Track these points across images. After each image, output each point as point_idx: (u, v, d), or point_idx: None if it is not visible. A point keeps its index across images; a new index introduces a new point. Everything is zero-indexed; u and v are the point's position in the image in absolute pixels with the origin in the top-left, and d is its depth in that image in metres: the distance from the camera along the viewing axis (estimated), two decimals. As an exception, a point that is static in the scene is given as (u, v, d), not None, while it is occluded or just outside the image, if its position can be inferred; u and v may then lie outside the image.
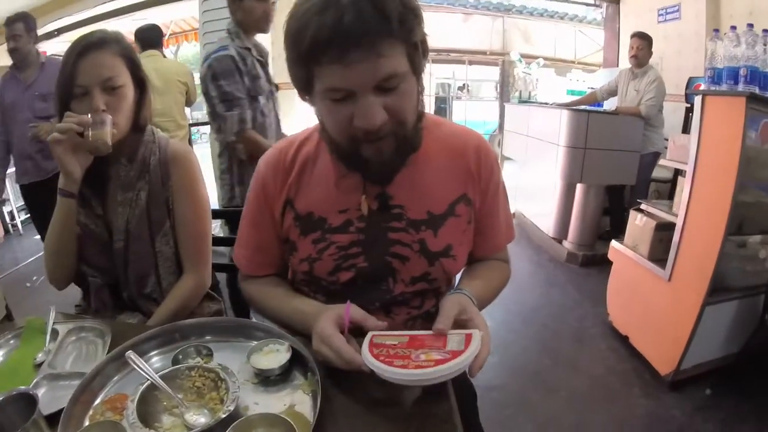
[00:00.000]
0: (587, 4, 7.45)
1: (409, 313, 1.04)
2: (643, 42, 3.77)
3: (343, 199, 0.98)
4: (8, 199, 4.93)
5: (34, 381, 0.83)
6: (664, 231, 2.36)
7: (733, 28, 1.98)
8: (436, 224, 0.98)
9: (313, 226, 0.99)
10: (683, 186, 2.18)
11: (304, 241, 1.00)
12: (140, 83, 1.24)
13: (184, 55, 11.47)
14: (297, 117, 4.92)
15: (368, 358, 0.75)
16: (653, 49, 3.85)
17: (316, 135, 1.02)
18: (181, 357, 0.85)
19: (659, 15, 4.92)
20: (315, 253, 0.99)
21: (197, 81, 3.78)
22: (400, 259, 0.98)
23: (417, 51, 0.83)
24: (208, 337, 0.93)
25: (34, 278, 3.58)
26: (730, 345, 2.23)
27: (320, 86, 0.81)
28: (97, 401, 0.76)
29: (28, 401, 0.65)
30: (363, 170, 0.92)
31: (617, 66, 5.59)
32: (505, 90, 7.73)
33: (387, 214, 0.97)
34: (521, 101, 5.34)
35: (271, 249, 1.08)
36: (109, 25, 5.52)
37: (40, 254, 1.24)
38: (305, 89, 0.86)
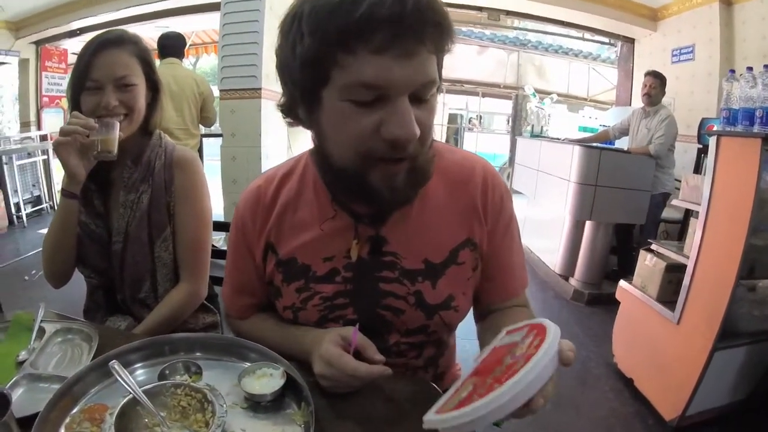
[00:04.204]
0: (602, 43, 7.52)
1: (407, 363, 0.94)
2: (657, 81, 3.78)
3: (328, 244, 0.87)
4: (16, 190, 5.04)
5: (14, 379, 0.79)
6: (674, 272, 2.32)
7: (750, 69, 1.96)
8: (435, 274, 0.87)
9: (296, 274, 0.89)
10: (695, 227, 2.14)
11: (287, 289, 0.91)
12: (153, 86, 1.24)
13: (203, 68, 11.67)
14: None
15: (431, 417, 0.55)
16: (666, 89, 3.87)
17: (300, 168, 0.92)
18: (168, 372, 0.80)
19: (673, 55, 4.97)
20: (299, 303, 0.90)
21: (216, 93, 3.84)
22: (393, 311, 0.88)
23: (441, 69, 0.75)
24: (198, 354, 0.88)
25: (33, 272, 3.55)
26: (737, 391, 2.16)
27: (344, 81, 0.67)
28: (76, 409, 0.71)
29: (1, 400, 0.61)
30: (369, 202, 0.79)
31: (630, 105, 5.63)
32: (516, 123, 7.78)
33: (378, 261, 0.87)
34: (533, 135, 5.35)
35: (256, 292, 0.99)
36: (131, 30, 5.64)
37: (41, 248, 1.23)
38: (315, 89, 0.71)
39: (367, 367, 0.75)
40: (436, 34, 0.67)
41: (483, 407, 0.49)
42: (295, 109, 0.78)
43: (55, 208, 4.97)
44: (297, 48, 0.68)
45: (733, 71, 2.06)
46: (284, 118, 0.81)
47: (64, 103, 6.22)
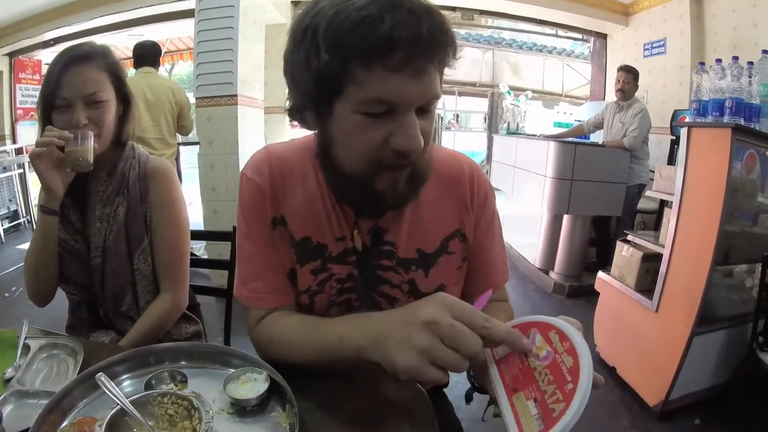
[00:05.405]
0: (575, 39, 7.63)
1: None
2: (629, 76, 3.85)
3: (337, 226, 0.89)
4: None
5: (2, 397, 0.79)
6: (650, 262, 2.37)
7: (719, 60, 2.01)
8: (428, 263, 0.91)
9: (311, 254, 0.89)
10: (670, 217, 2.19)
11: (302, 271, 0.90)
12: (124, 99, 1.23)
13: (178, 74, 11.52)
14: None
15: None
16: (639, 83, 3.94)
17: (305, 153, 0.91)
18: (154, 382, 0.81)
19: (645, 49, 5.06)
20: (315, 285, 0.89)
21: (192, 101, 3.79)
22: (388, 300, 0.91)
23: (442, 82, 0.79)
24: (182, 363, 0.88)
25: (13, 289, 3.49)
26: (719, 375, 2.22)
27: (360, 96, 0.70)
28: (65, 423, 0.71)
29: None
30: (372, 205, 0.83)
31: (603, 99, 5.71)
32: (493, 121, 7.81)
33: (378, 250, 0.90)
34: (509, 132, 5.39)
35: (281, 270, 0.91)
36: (105, 39, 5.54)
37: (21, 264, 1.21)
38: (328, 100, 0.73)
39: (505, 325, 0.65)
40: (444, 54, 0.73)
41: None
42: (303, 114, 0.81)
43: (33, 223, 4.89)
44: (312, 61, 0.71)
45: (702, 64, 2.10)
46: (291, 120, 0.84)
47: (39, 115, 6.15)
